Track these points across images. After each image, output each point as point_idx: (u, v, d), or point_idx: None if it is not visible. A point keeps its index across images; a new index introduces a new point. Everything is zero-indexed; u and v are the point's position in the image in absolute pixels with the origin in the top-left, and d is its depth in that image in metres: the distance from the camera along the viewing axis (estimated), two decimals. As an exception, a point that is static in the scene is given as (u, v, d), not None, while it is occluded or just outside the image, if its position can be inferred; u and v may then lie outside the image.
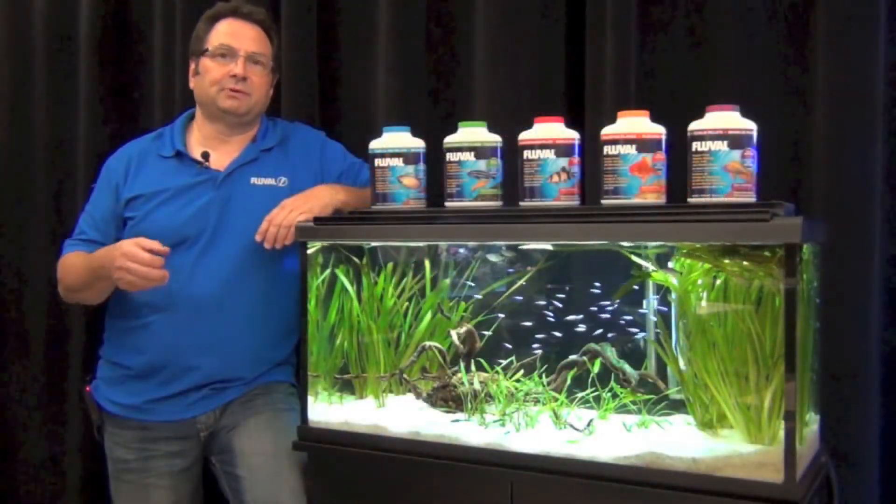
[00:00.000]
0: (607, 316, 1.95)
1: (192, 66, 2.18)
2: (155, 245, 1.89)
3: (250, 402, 2.14)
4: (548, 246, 2.00)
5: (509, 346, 2.04)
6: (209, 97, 2.13)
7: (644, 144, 1.71)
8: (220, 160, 2.15)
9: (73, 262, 2.12)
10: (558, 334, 1.97)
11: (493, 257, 2.11)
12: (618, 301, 1.94)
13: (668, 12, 2.16)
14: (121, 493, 2.17)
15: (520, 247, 2.05)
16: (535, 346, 2.01)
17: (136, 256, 1.88)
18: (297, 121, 2.40)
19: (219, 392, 2.12)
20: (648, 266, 1.86)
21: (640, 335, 1.94)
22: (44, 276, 2.91)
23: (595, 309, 1.97)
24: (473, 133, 1.91)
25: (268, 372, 2.18)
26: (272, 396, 2.17)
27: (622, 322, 1.96)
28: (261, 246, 2.04)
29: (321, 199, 2.06)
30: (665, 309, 1.90)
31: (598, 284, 1.97)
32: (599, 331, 1.93)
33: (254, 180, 2.14)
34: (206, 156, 2.12)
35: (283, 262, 2.11)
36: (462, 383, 1.99)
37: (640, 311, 1.94)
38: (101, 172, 2.22)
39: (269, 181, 2.15)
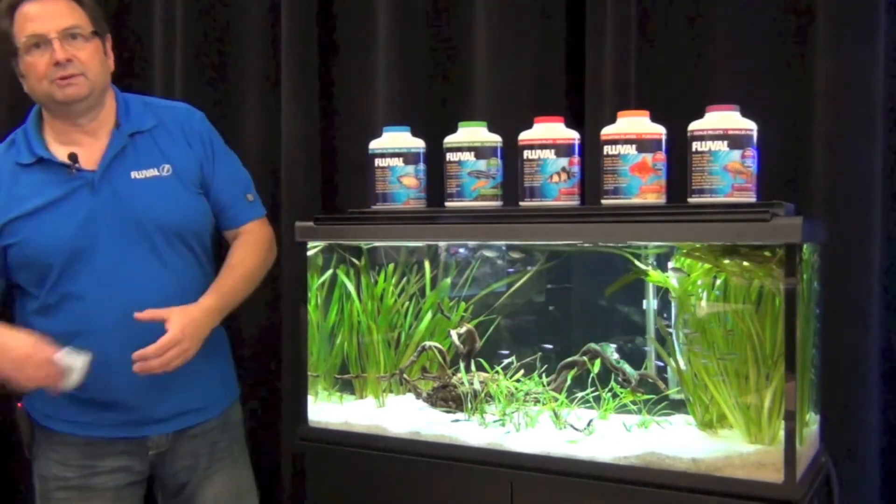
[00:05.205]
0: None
1: (15, 69, 1.90)
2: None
3: (212, 446, 2.00)
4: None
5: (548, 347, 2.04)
6: (45, 93, 1.85)
7: (644, 144, 1.71)
8: (89, 157, 1.88)
9: None
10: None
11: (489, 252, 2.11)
12: (611, 296, 1.95)
13: (669, 12, 2.16)
14: None
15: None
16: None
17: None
18: (296, 120, 2.40)
19: (170, 419, 1.94)
20: (647, 267, 1.86)
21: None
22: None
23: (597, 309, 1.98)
24: (473, 133, 1.91)
25: (212, 381, 2.00)
26: (231, 434, 2.04)
27: (620, 321, 1.97)
28: (160, 244, 1.88)
29: (202, 334, 1.86)
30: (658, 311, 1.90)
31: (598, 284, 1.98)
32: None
33: (134, 174, 1.89)
34: (74, 157, 1.86)
35: (186, 257, 1.94)
36: (462, 383, 1.99)
37: (641, 309, 1.95)
38: None
39: (152, 172, 1.90)
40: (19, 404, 1.97)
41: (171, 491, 2.02)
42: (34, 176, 1.88)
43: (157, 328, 1.79)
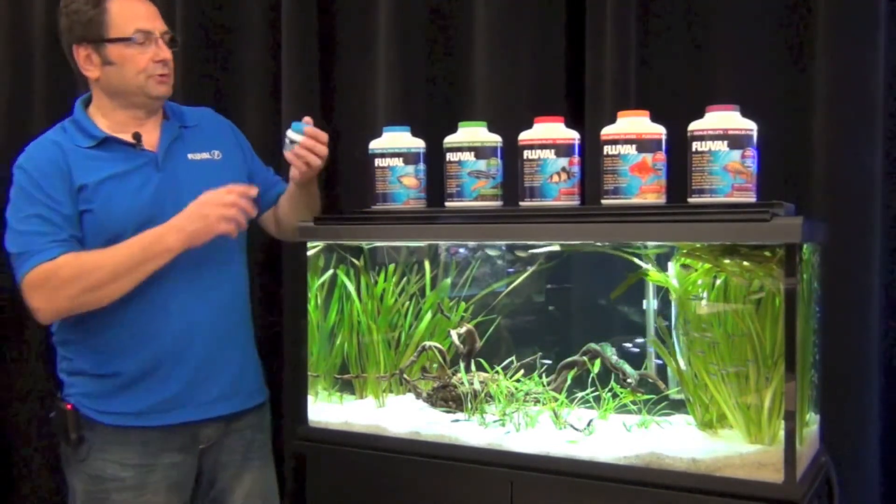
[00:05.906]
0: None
1: (86, 53, 1.96)
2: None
3: (249, 444, 2.08)
4: (555, 247, 2.00)
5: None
6: (136, 86, 1.95)
7: (644, 144, 1.71)
8: (146, 141, 1.99)
9: (100, 256, 1.87)
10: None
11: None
12: (615, 298, 1.94)
13: (669, 12, 2.16)
14: None
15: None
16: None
17: (225, 199, 1.88)
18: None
19: (222, 400, 2.01)
20: (648, 266, 1.86)
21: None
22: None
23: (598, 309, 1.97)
24: (473, 133, 1.91)
25: (249, 368, 2.09)
26: (265, 434, 2.14)
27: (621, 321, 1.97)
28: None
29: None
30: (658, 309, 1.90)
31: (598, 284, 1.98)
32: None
33: (191, 156, 2.03)
34: (138, 137, 1.97)
35: (237, 241, 2.03)
36: (462, 383, 1.99)
37: (642, 310, 1.95)
38: (33, 174, 1.93)
39: (205, 155, 2.05)
40: (69, 405, 1.97)
41: (203, 486, 2.07)
42: (94, 155, 1.96)
43: (215, 301, 1.98)
